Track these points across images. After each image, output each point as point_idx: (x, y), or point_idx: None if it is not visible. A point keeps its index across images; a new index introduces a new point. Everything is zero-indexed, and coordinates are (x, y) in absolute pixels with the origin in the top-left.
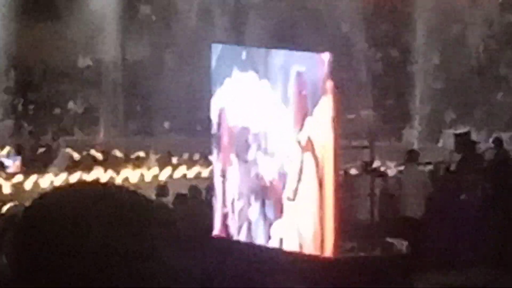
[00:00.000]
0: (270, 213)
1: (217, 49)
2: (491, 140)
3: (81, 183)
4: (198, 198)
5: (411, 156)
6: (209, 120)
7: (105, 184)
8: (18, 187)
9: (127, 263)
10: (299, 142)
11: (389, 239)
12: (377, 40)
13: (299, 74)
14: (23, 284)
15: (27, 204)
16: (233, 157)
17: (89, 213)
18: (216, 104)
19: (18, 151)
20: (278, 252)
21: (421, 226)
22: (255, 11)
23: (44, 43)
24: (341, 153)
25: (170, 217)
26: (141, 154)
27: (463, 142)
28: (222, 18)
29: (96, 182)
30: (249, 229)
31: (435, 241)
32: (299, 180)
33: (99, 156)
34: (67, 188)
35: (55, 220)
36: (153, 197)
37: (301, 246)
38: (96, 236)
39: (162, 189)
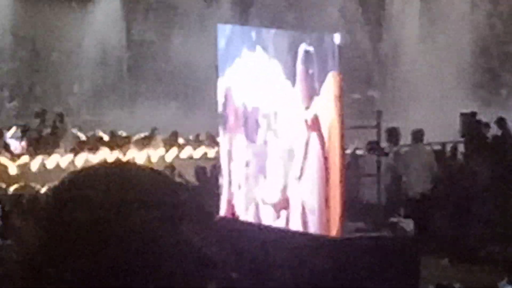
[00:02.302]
0: (279, 193)
1: (226, 29)
2: (493, 120)
3: (105, 163)
4: (204, 179)
5: (417, 136)
6: (216, 100)
7: (129, 164)
8: (24, 168)
9: (150, 245)
10: (306, 121)
11: (395, 219)
12: (383, 20)
13: (306, 54)
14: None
15: (47, 184)
16: (240, 137)
17: (113, 192)
18: (223, 84)
19: (24, 132)
20: (284, 232)
21: (428, 206)
22: None
23: (51, 24)
24: (348, 133)
25: (190, 198)
26: (147, 134)
27: (469, 122)
28: None
29: (117, 162)
30: (256, 209)
31: (443, 221)
32: (305, 159)
33: (105, 136)
34: (94, 168)
35: (83, 201)
36: None
37: (307, 226)
38: (120, 216)
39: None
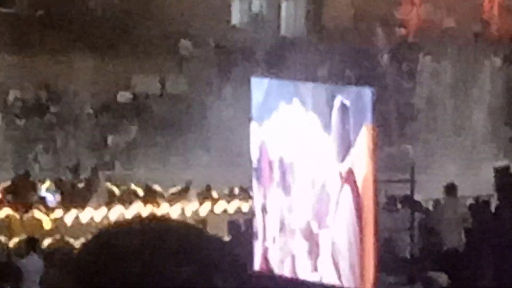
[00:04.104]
0: (314, 247)
1: (261, 83)
2: None
3: (137, 218)
4: (238, 233)
5: (450, 190)
6: (249, 153)
7: (161, 219)
8: (58, 221)
9: None
10: (340, 174)
11: (429, 273)
12: (416, 73)
13: (342, 107)
14: None
15: (81, 238)
16: (275, 190)
17: (146, 246)
18: (257, 137)
19: (58, 185)
20: (319, 286)
21: (462, 260)
22: (294, 45)
23: (85, 77)
24: (382, 186)
25: (227, 252)
26: (181, 188)
27: (503, 175)
28: (262, 52)
29: (149, 217)
30: (292, 263)
31: (477, 274)
32: (339, 212)
33: (139, 190)
34: (127, 223)
35: (117, 255)
36: None
37: (340, 280)
38: (154, 270)
39: None
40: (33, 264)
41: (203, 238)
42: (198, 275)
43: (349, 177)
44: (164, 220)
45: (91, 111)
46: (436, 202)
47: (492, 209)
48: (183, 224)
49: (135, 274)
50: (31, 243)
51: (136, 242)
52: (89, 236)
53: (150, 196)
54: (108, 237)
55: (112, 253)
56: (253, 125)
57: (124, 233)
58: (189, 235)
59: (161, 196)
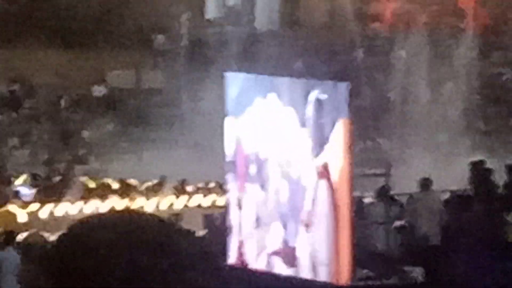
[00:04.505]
0: (289, 241)
1: (236, 77)
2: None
3: (110, 212)
4: (213, 227)
5: (425, 184)
6: (224, 147)
7: (134, 213)
8: (33, 216)
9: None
10: (316, 168)
11: (405, 267)
12: (392, 67)
13: (317, 102)
14: None
15: (56, 232)
16: (250, 185)
17: (119, 240)
18: (232, 131)
19: (33, 179)
20: (294, 280)
21: (437, 254)
22: (269, 40)
23: (59, 71)
24: (357, 181)
25: (198, 246)
26: (156, 182)
27: (478, 170)
28: (237, 47)
29: (124, 211)
30: (267, 257)
31: (452, 268)
32: (314, 207)
33: (115, 184)
34: (101, 217)
35: (90, 247)
36: None
37: (316, 274)
38: (127, 263)
39: None
40: (10, 257)
41: (175, 232)
42: (170, 268)
43: (325, 172)
44: (138, 214)
45: (65, 105)
46: (411, 197)
47: (467, 203)
48: (156, 219)
49: (108, 267)
50: (8, 237)
51: (110, 235)
52: (64, 231)
53: (126, 190)
54: (81, 231)
55: (85, 246)
56: (228, 119)
57: (98, 227)
58: (161, 229)
59: (137, 190)
